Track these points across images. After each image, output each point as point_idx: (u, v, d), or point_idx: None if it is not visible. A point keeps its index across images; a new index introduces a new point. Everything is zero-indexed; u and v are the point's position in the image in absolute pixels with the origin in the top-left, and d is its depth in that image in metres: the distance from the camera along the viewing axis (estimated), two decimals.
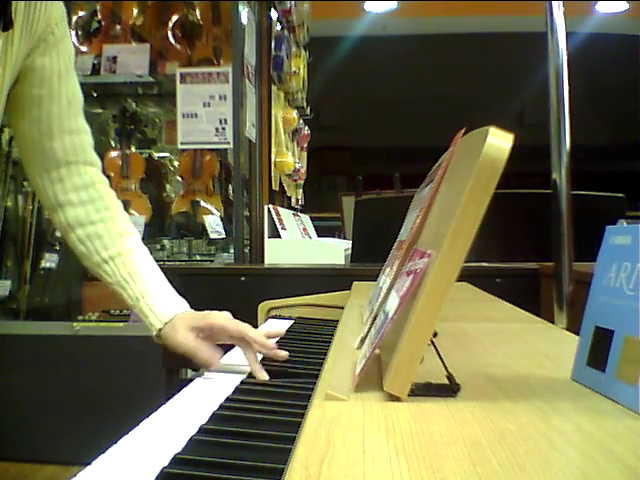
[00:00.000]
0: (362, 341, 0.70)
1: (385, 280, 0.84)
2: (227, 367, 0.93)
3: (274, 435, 0.59)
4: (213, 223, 2.91)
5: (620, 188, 2.36)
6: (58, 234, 2.86)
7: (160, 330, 0.97)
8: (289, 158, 3.24)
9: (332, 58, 6.74)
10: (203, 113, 2.78)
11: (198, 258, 3.22)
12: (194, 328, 0.94)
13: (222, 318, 0.95)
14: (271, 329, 1.07)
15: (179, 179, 3.17)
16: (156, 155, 3.31)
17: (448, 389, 0.54)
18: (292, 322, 1.34)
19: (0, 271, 3.05)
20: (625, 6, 6.26)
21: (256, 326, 1.34)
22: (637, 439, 0.43)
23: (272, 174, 3.07)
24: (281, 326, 1.27)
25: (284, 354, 0.91)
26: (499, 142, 0.48)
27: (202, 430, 0.63)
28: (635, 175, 6.36)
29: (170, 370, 1.72)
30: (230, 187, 3.06)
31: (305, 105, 3.81)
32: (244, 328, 0.93)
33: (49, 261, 3.04)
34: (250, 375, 0.86)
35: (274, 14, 3.21)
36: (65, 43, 1.01)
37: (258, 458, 0.54)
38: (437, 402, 0.52)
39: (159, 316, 0.97)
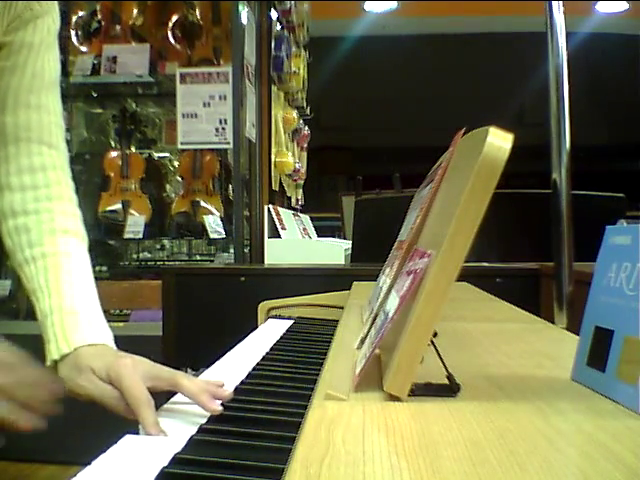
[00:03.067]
0: (362, 341, 0.70)
1: (385, 280, 0.84)
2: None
3: (274, 435, 0.59)
4: (213, 223, 2.90)
5: (620, 188, 2.36)
6: None
7: (56, 362, 0.77)
8: (289, 158, 3.24)
9: (332, 58, 6.75)
10: (203, 113, 2.78)
11: (198, 258, 3.23)
12: (96, 373, 0.74)
13: (126, 370, 0.71)
14: (209, 381, 0.74)
15: (179, 179, 3.17)
16: (156, 155, 3.31)
17: (448, 389, 0.54)
18: (292, 322, 1.34)
19: (0, 271, 3.05)
20: (625, 6, 6.27)
21: (256, 326, 1.34)
22: (637, 439, 0.43)
23: (272, 174, 3.07)
24: (279, 328, 1.27)
25: (227, 394, 0.70)
26: (499, 142, 0.48)
27: (202, 430, 0.63)
28: (635, 175, 6.35)
29: None
30: (230, 187, 3.06)
31: (305, 105, 3.81)
32: (137, 391, 0.69)
33: None
34: (247, 377, 0.82)
35: (274, 14, 3.21)
36: (45, 19, 0.93)
37: (258, 458, 0.54)
38: (437, 402, 0.52)
39: (60, 343, 0.78)
